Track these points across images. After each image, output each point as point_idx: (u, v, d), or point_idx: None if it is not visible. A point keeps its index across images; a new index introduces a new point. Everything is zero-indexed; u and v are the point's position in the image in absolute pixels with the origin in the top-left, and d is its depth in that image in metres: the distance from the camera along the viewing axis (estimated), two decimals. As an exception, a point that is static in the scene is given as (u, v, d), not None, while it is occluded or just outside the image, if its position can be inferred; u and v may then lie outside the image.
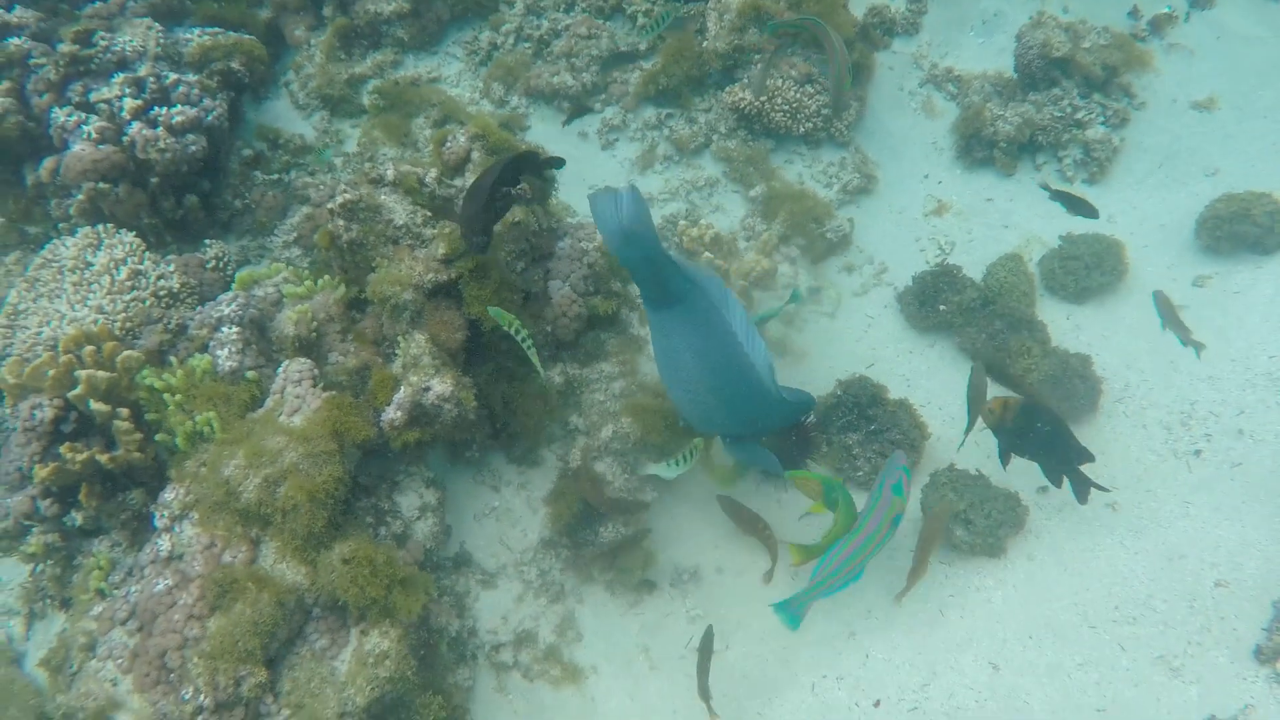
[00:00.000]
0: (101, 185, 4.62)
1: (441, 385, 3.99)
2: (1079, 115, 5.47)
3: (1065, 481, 3.87)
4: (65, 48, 4.71)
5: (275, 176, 5.41)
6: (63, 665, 3.91)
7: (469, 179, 4.34)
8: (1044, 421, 3.78)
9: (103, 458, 3.98)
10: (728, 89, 5.55)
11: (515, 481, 4.51)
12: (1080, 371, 4.62)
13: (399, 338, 4.10)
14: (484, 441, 4.49)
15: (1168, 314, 4.37)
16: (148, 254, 4.59)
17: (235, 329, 4.21)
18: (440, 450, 4.47)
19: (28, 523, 4.15)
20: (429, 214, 4.27)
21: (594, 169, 5.62)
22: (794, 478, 3.96)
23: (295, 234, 5.15)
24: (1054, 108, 5.49)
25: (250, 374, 4.14)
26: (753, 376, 3.79)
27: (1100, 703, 3.86)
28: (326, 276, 4.39)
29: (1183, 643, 3.98)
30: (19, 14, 4.89)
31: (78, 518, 4.10)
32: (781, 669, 4.07)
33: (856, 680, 4.04)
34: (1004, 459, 3.96)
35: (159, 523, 3.90)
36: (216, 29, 5.43)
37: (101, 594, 4.02)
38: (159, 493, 3.99)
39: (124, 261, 4.50)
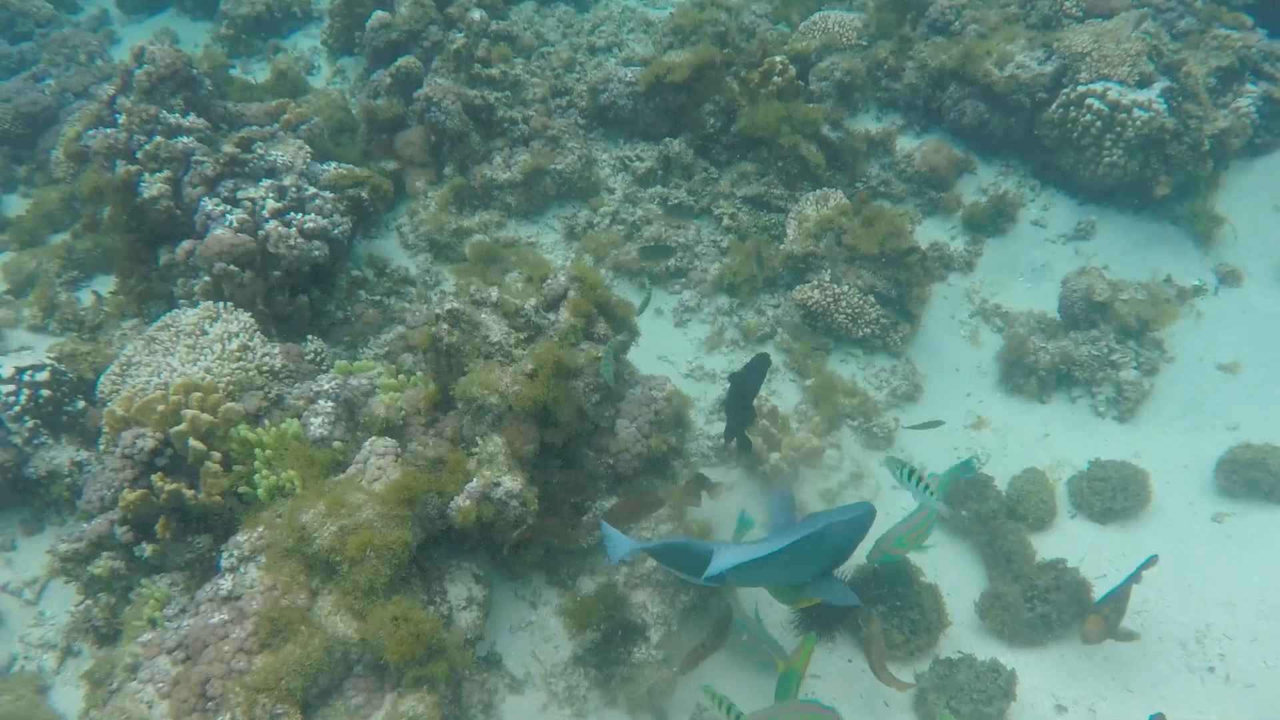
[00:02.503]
0: (231, 267, 5.12)
1: (512, 482, 4.28)
2: (1114, 357, 5.95)
3: None
4: (228, 149, 5.35)
5: (378, 298, 5.93)
6: (104, 680, 4.02)
7: (562, 315, 4.81)
8: None
9: (188, 493, 4.25)
10: (797, 288, 6.11)
11: (554, 603, 4.67)
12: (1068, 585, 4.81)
13: (478, 438, 4.43)
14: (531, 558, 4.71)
15: None
16: (258, 334, 5.03)
17: (330, 403, 4.57)
18: (486, 557, 4.68)
19: (100, 548, 4.37)
20: (522, 337, 4.71)
21: (665, 343, 6.09)
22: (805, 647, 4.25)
23: (386, 349, 5.59)
24: (1091, 347, 5.98)
25: (336, 444, 4.46)
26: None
27: None
28: (419, 374, 4.78)
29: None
30: (191, 120, 5.56)
31: (147, 549, 4.33)
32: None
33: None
34: None
35: (225, 562, 4.12)
36: (352, 165, 6.10)
37: (153, 623, 4.19)
38: (224, 541, 4.24)
39: (237, 335, 4.92)
